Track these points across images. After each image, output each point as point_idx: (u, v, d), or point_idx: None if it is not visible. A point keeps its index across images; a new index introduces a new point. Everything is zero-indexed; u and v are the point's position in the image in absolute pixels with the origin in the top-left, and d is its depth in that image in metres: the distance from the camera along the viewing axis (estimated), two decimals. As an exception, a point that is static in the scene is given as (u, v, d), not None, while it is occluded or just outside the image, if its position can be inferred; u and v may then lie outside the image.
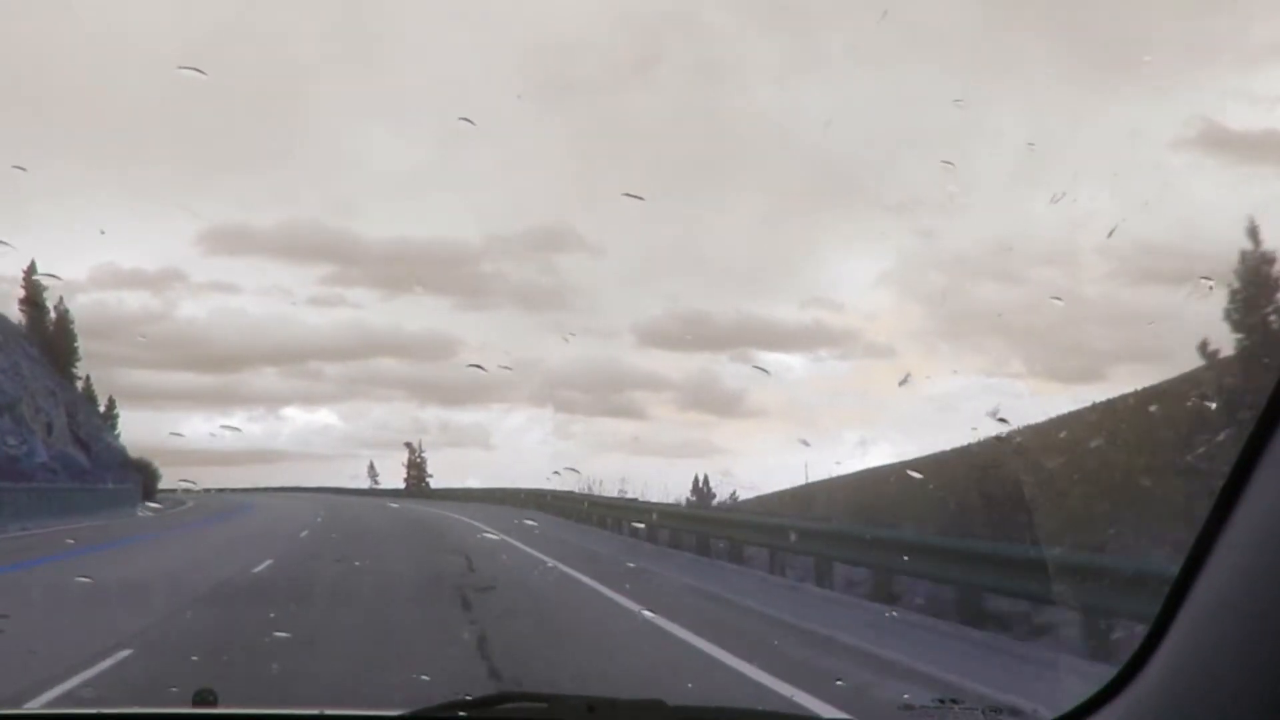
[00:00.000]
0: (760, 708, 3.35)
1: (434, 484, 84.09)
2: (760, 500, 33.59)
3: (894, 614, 12.13)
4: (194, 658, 8.83)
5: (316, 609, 12.96)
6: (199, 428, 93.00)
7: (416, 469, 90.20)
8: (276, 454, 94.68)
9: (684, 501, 31.82)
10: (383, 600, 13.55)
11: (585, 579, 16.85)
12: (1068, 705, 2.11)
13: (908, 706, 3.80)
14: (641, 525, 25.96)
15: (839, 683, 8.16)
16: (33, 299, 70.33)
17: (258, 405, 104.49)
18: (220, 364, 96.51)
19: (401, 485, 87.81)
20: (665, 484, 32.46)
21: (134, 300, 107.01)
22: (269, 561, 19.49)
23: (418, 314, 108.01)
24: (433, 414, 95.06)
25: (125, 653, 9.22)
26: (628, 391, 74.18)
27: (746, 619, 12.73)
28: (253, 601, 13.42)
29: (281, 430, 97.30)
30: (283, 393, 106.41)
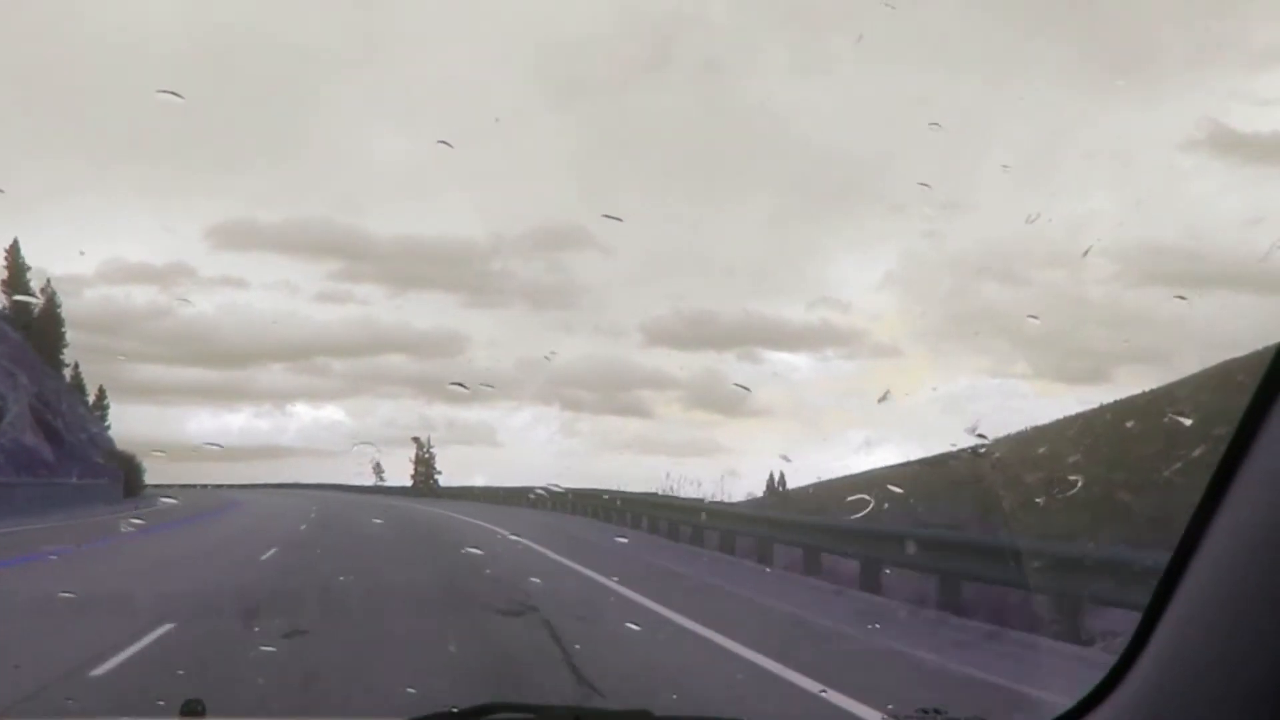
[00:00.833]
0: (745, 718, 3.37)
1: (442, 481, 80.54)
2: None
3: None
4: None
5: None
6: (206, 423, 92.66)
7: (424, 466, 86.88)
8: (283, 450, 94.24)
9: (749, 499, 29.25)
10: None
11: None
12: (1057, 710, 2.12)
13: (893, 716, 3.80)
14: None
15: (823, 693, 8.17)
16: (13, 281, 69.46)
17: (265, 401, 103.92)
18: (227, 359, 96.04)
19: (408, 483, 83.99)
20: (726, 485, 28.80)
21: (141, 295, 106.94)
22: (165, 630, 10.82)
23: (426, 311, 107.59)
24: (440, 411, 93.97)
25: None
26: (634, 390, 74.04)
27: None
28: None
29: (288, 426, 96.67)
30: (290, 388, 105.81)
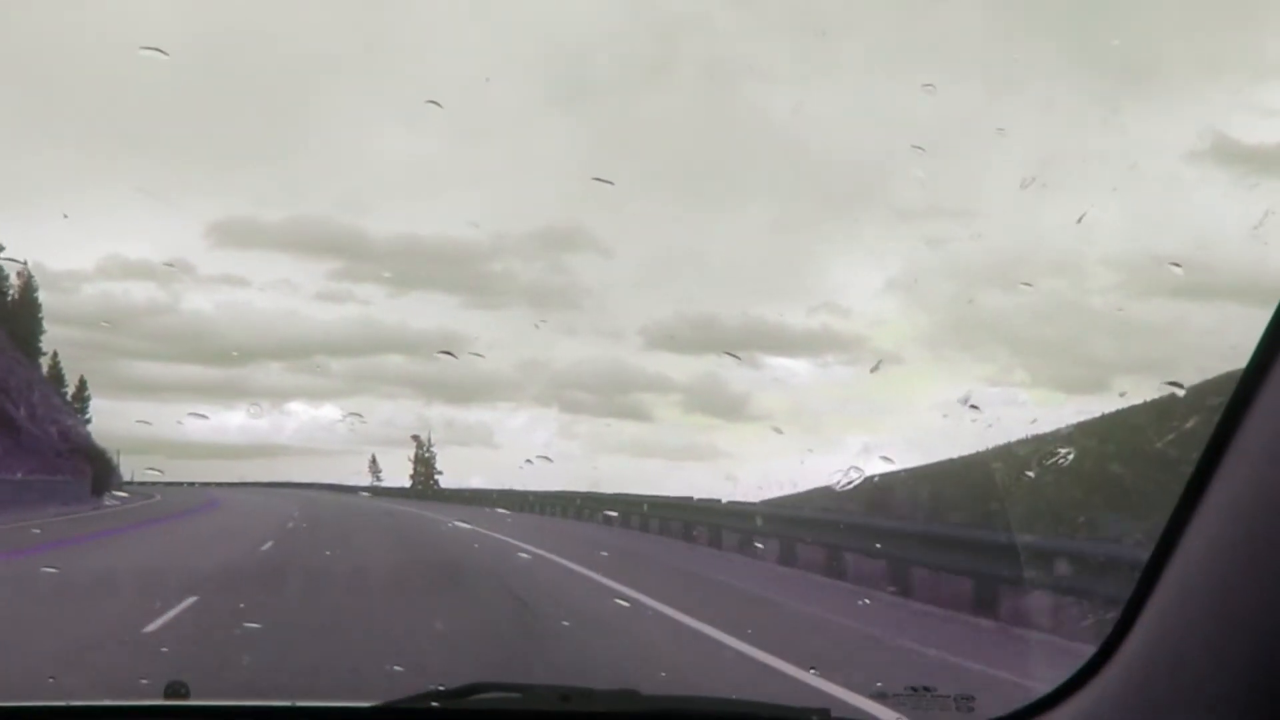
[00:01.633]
0: (731, 696, 3.35)
1: (443, 482, 74.07)
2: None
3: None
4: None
5: None
6: (203, 421, 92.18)
7: (424, 465, 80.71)
8: (280, 449, 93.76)
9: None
10: None
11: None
12: (1041, 691, 2.12)
13: (881, 694, 3.81)
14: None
15: (812, 670, 8.18)
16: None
17: (263, 399, 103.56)
18: (226, 357, 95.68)
19: (407, 483, 78.31)
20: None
21: (140, 292, 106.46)
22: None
23: (426, 311, 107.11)
24: (438, 412, 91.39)
25: None
26: (634, 393, 73.69)
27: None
28: None
29: (286, 425, 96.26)
30: (288, 387, 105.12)
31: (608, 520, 32.45)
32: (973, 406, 9.31)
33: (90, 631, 10.35)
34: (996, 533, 12.26)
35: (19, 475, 45.93)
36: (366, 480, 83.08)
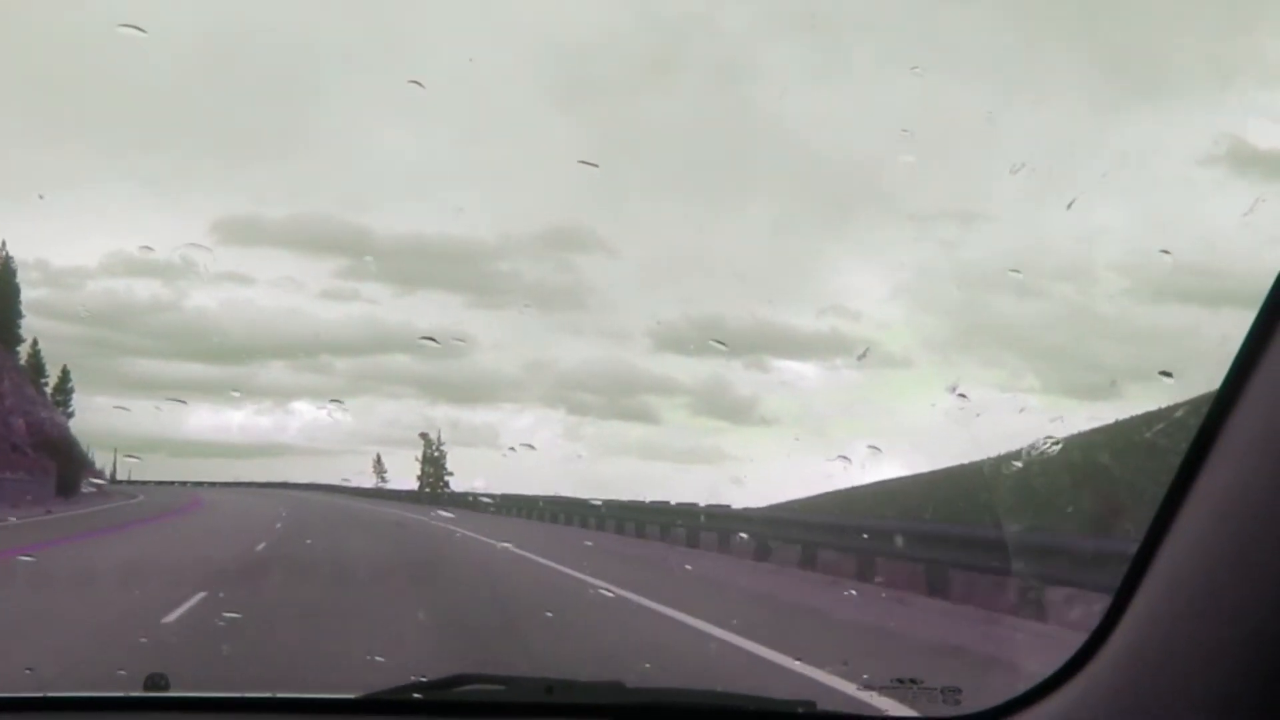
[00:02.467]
0: (719, 689, 3.34)
1: (454, 485, 67.64)
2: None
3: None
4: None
5: None
6: (205, 419, 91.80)
7: (434, 465, 73.17)
8: (283, 448, 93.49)
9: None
10: None
11: None
12: (1026, 684, 2.11)
13: (867, 686, 3.80)
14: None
15: (797, 663, 8.18)
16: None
17: (266, 398, 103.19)
18: (229, 355, 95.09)
19: (414, 485, 71.15)
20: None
21: (144, 289, 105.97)
22: None
23: (431, 311, 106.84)
24: (443, 412, 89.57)
25: None
26: (640, 395, 73.33)
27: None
28: None
29: (289, 424, 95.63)
30: (291, 386, 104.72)
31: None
32: (960, 395, 9.33)
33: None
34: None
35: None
36: (371, 481, 76.59)
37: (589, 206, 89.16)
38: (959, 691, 3.14)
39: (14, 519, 31.02)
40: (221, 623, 9.92)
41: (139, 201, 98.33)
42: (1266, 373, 1.52)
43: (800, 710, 2.80)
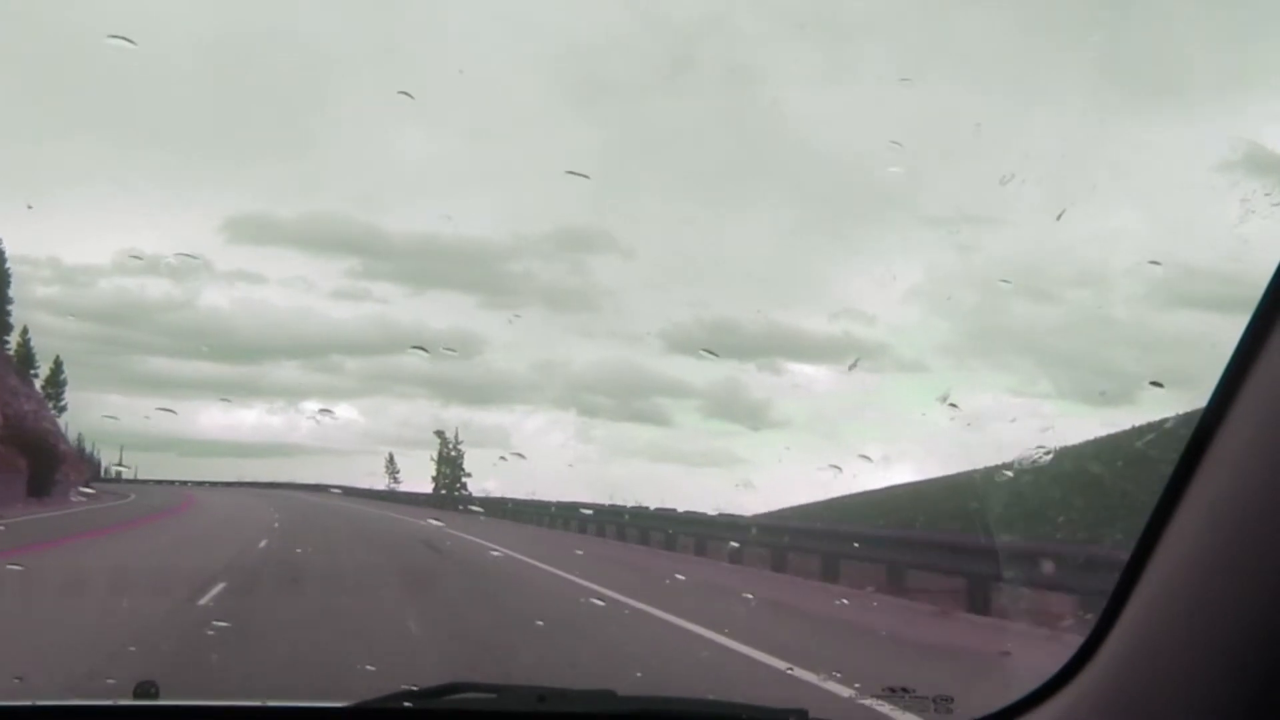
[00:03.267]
0: (710, 697, 3.33)
1: (472, 488, 61.27)
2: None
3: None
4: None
5: None
6: (216, 418, 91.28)
7: (450, 466, 66.59)
8: (294, 448, 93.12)
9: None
10: None
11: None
12: (1018, 694, 2.11)
13: (860, 694, 3.80)
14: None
15: (790, 671, 8.18)
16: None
17: (277, 398, 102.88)
18: (241, 354, 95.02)
19: (429, 488, 65.51)
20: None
21: (155, 287, 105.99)
22: None
23: (443, 311, 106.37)
24: (455, 413, 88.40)
25: None
26: (652, 397, 73.17)
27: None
28: None
29: (300, 424, 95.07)
30: (303, 386, 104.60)
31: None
32: (951, 405, 9.32)
33: None
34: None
35: None
36: (383, 483, 70.58)
37: (602, 208, 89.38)
38: (951, 700, 3.14)
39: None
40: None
41: (151, 200, 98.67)
42: (1256, 381, 1.52)
43: (792, 718, 2.80)
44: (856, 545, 17.49)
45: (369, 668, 7.72)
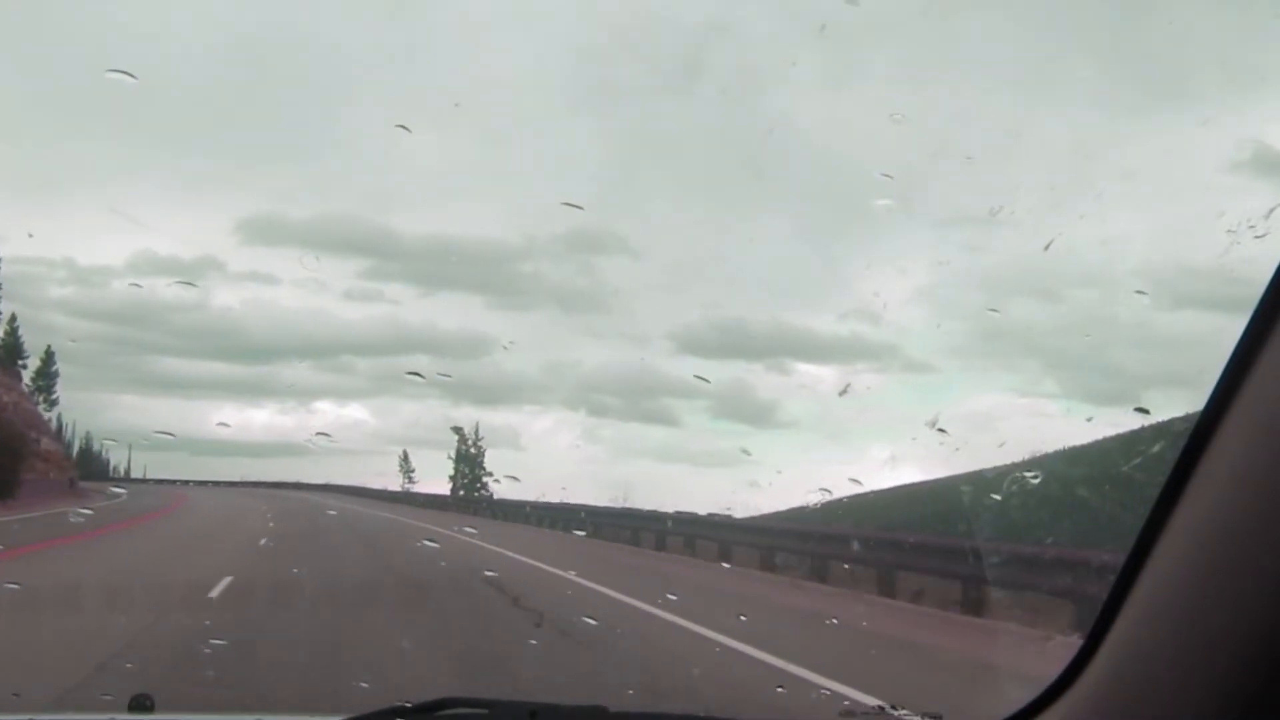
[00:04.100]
0: (701, 714, 3.34)
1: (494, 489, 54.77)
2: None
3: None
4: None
5: None
6: (230, 418, 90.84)
7: (469, 465, 62.79)
8: (304, 448, 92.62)
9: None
10: None
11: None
12: (1009, 710, 2.11)
13: (848, 713, 3.81)
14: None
15: (779, 690, 8.17)
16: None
17: (289, 398, 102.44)
18: (252, 354, 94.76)
19: (447, 488, 60.74)
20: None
21: (168, 288, 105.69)
22: None
23: (454, 311, 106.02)
24: (465, 413, 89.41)
25: None
26: (661, 398, 72.84)
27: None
28: None
29: (312, 424, 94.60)
30: (315, 386, 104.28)
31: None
32: (940, 430, 9.28)
33: None
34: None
35: None
36: (397, 484, 66.02)
37: (612, 210, 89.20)
38: (940, 717, 3.15)
39: None
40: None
41: (165, 201, 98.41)
42: (1256, 381, 1.53)
43: None
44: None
45: (362, 685, 7.66)
